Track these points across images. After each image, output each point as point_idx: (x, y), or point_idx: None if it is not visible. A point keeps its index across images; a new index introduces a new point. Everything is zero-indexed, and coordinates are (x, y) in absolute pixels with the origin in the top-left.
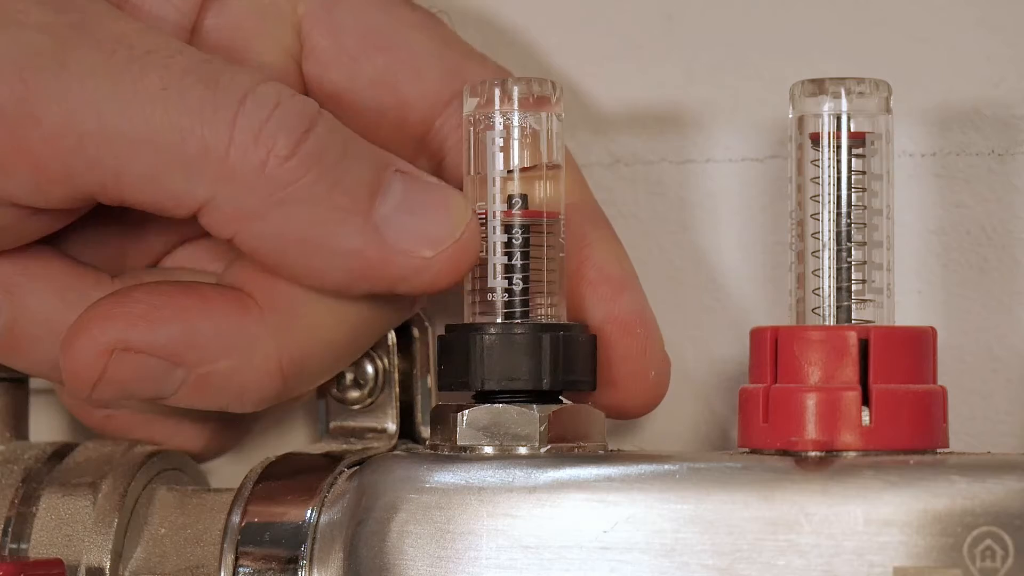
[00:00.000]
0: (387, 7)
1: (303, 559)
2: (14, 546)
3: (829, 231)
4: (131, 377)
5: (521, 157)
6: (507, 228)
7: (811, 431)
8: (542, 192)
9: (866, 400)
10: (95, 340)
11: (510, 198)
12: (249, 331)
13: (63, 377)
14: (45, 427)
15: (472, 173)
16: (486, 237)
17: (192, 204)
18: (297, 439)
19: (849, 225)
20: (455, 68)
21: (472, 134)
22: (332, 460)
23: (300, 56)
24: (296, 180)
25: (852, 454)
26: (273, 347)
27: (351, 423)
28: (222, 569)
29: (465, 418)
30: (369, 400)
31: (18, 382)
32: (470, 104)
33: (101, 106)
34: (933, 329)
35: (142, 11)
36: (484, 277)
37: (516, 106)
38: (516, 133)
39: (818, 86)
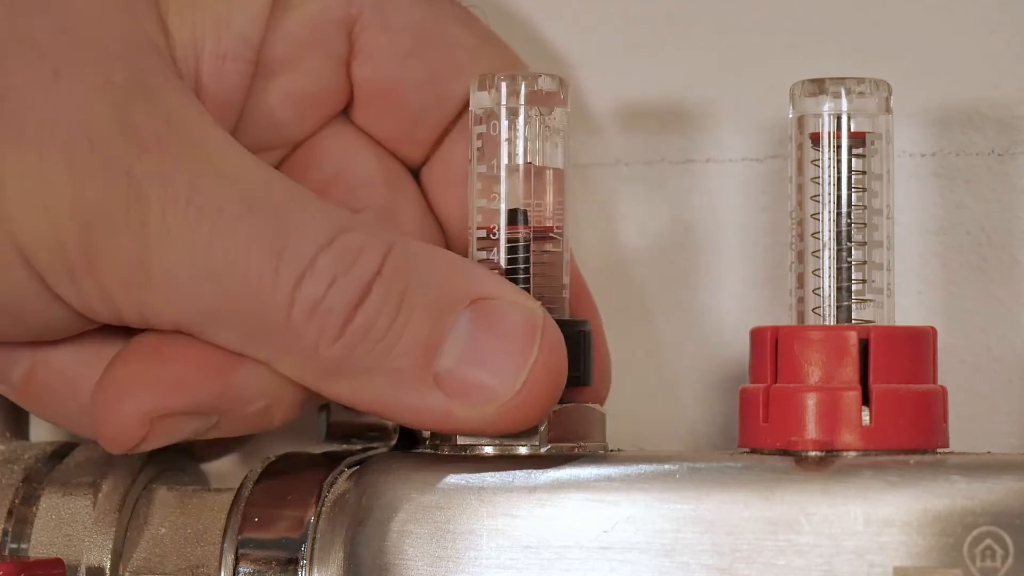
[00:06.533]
0: (430, 1)
1: (303, 559)
2: (14, 546)
3: (829, 231)
4: (172, 433)
5: (526, 152)
6: (511, 225)
7: (811, 431)
8: (546, 188)
9: (866, 400)
10: (135, 409)
11: (513, 194)
12: (278, 375)
13: (99, 440)
14: (45, 427)
15: (476, 168)
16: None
17: (256, 357)
18: (297, 439)
19: (849, 225)
20: (496, 66)
21: (477, 129)
22: (332, 460)
23: (349, 57)
24: (345, 356)
25: (852, 454)
26: (301, 385)
27: (351, 422)
28: (222, 569)
29: None
30: None
31: None
32: (477, 98)
33: (172, 270)
34: (933, 329)
35: (217, 53)
36: None
37: (523, 101)
38: (522, 128)
39: (818, 86)
